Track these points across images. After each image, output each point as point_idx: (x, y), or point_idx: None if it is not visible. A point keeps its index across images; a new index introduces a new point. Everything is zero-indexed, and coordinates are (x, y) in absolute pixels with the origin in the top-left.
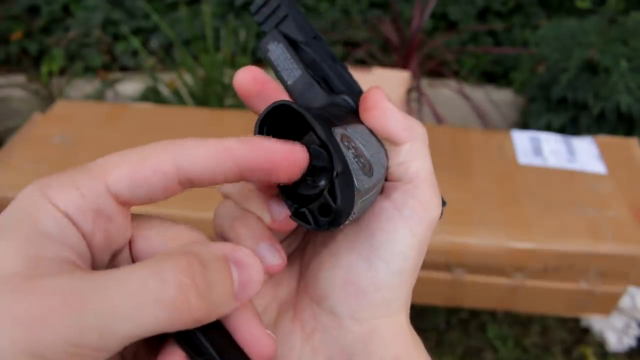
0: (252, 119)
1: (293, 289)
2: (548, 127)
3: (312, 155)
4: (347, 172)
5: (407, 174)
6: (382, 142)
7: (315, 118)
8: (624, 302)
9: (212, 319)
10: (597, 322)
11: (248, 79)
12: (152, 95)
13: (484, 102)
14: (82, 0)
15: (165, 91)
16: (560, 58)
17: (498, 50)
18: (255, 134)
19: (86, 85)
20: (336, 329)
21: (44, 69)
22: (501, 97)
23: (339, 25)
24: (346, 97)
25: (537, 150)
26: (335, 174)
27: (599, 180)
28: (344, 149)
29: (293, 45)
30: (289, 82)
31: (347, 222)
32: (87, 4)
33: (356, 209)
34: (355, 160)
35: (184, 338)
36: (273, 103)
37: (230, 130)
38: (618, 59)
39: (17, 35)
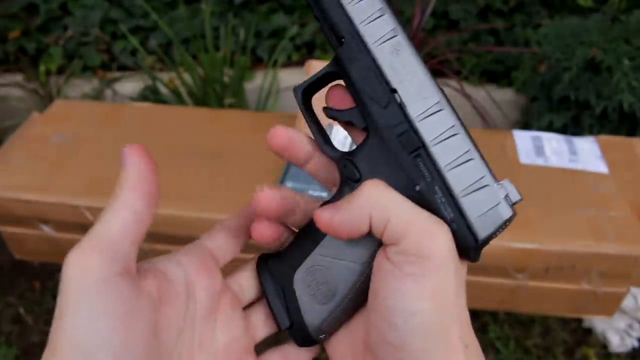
0: (251, 119)
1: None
2: (550, 127)
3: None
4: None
5: (378, 233)
6: None
7: (275, 281)
8: (627, 302)
9: None
10: (599, 323)
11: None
12: (151, 95)
13: (485, 101)
14: None
15: (164, 90)
16: (562, 57)
17: (499, 49)
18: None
19: (85, 85)
20: None
21: (42, 68)
22: (503, 97)
23: None
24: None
25: (539, 150)
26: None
27: (601, 180)
28: (297, 299)
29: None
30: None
31: (322, 339)
32: (86, 2)
33: (324, 327)
34: (311, 295)
35: None
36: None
37: (229, 130)
38: (620, 58)
39: (14, 33)
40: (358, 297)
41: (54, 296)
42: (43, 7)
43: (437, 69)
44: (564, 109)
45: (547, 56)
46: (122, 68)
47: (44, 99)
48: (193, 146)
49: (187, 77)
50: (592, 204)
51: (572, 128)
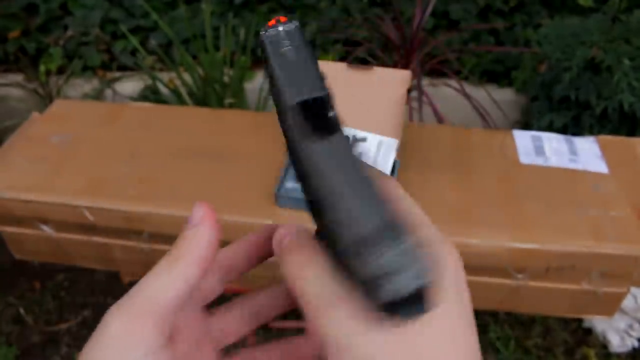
0: (251, 119)
1: None
2: (550, 127)
3: None
4: None
5: None
6: None
7: None
8: (627, 302)
9: None
10: (599, 323)
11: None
12: (151, 95)
13: (485, 101)
14: None
15: (164, 90)
16: (562, 57)
17: (500, 49)
18: None
19: (85, 85)
20: None
21: (42, 68)
22: (503, 97)
23: (339, 24)
24: None
25: (539, 150)
26: None
27: (601, 180)
28: None
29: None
30: None
31: None
32: (86, 2)
33: None
34: None
35: None
36: None
37: (229, 130)
38: (621, 58)
39: (14, 33)
40: None
41: (53, 296)
42: (43, 6)
43: (437, 69)
44: (564, 109)
45: (547, 56)
46: (122, 68)
47: (44, 99)
48: (193, 146)
49: (187, 77)
50: (593, 204)
51: (572, 128)
